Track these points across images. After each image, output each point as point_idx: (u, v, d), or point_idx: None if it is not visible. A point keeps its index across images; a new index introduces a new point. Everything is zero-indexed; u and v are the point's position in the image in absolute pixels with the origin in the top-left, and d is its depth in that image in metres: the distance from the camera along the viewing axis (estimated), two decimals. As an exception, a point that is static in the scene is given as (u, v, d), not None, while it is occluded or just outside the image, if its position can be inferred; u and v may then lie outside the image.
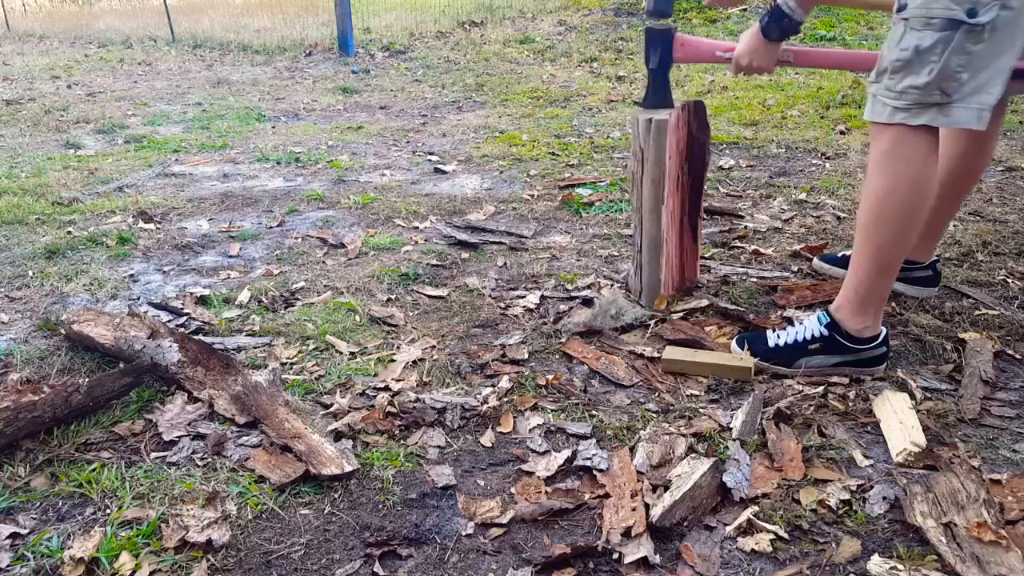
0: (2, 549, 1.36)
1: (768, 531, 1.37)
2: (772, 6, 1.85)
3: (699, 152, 2.19)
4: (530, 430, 1.69)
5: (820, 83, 5.60)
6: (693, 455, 1.56)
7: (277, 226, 3.05)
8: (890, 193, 1.68)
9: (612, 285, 2.37)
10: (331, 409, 1.77)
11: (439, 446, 1.65)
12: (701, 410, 1.74)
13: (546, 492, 1.50)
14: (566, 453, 1.59)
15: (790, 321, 2.07)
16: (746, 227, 2.91)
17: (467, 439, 1.68)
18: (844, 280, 1.83)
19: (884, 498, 1.45)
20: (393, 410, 1.75)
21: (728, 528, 1.39)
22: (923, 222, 1.74)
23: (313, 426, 1.67)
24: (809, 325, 1.87)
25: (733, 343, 1.94)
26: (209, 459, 1.60)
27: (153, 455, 1.62)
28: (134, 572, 1.30)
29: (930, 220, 2.14)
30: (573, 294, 2.33)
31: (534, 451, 1.63)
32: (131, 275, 2.58)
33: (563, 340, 2.07)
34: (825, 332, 1.83)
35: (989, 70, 1.57)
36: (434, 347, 2.05)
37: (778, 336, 1.89)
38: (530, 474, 1.55)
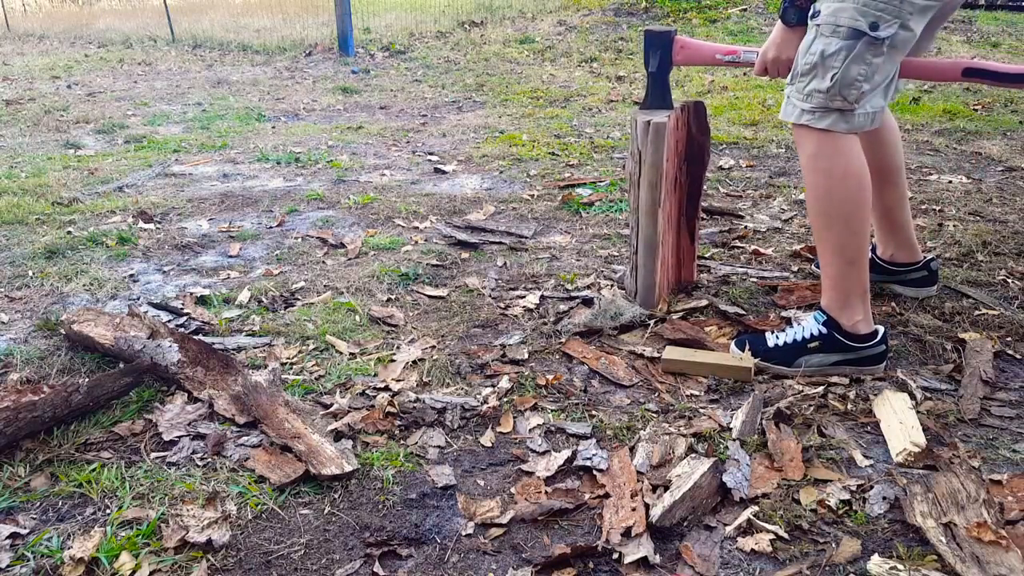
0: (2, 549, 1.36)
1: (768, 531, 1.37)
2: None
3: (698, 153, 2.19)
4: (530, 430, 1.69)
5: (820, 83, 5.59)
6: (693, 455, 1.56)
7: (277, 226, 3.05)
8: (828, 191, 1.76)
9: (611, 286, 2.38)
10: (331, 409, 1.77)
11: (439, 446, 1.65)
12: (701, 410, 1.74)
13: (546, 492, 1.50)
14: (566, 453, 1.59)
15: (789, 322, 2.07)
16: (746, 227, 2.91)
17: (467, 439, 1.68)
18: (821, 281, 1.88)
19: (884, 498, 1.45)
20: (393, 410, 1.75)
21: (728, 528, 1.39)
22: (868, 209, 1.79)
23: (313, 426, 1.67)
24: (807, 324, 1.87)
25: (732, 345, 1.94)
26: (209, 459, 1.60)
27: (153, 455, 1.62)
28: (134, 572, 1.30)
29: (884, 219, 2.17)
30: (573, 294, 2.33)
31: (534, 451, 1.63)
32: (131, 275, 2.58)
33: (563, 340, 2.07)
34: (824, 330, 1.84)
35: (884, 80, 1.70)
36: (434, 347, 2.05)
37: (777, 337, 1.89)
38: (530, 474, 1.55)
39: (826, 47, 1.68)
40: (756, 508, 1.42)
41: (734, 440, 1.62)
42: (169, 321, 2.20)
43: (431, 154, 4.15)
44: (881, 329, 1.85)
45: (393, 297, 2.38)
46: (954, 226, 2.82)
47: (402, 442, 1.67)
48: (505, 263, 2.63)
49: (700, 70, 6.16)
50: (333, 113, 5.40)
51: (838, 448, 1.59)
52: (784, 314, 2.15)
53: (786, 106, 1.80)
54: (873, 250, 2.25)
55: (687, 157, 2.17)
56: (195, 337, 1.98)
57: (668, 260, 2.21)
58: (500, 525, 1.42)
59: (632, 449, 1.60)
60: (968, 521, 1.33)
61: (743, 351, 1.90)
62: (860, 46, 1.65)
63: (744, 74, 5.98)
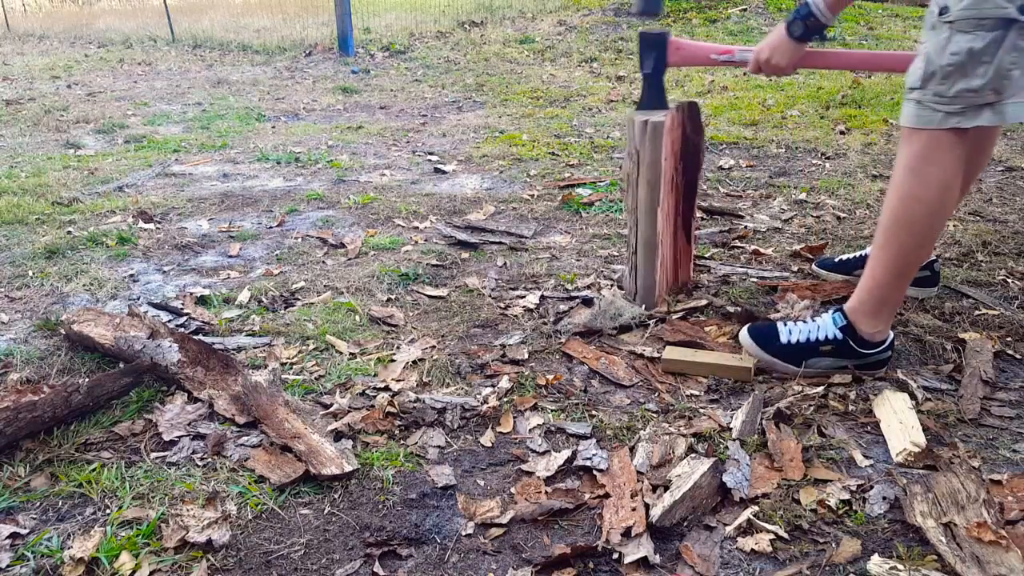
0: (2, 549, 1.36)
1: (768, 531, 1.37)
2: (800, 2, 1.84)
3: (693, 153, 2.19)
4: (530, 430, 1.69)
5: (820, 83, 5.60)
6: (693, 455, 1.56)
7: (277, 226, 3.05)
8: (918, 197, 1.67)
9: (611, 286, 2.38)
10: (331, 409, 1.77)
11: (439, 446, 1.65)
12: (701, 410, 1.74)
13: (546, 492, 1.50)
14: (566, 453, 1.59)
15: (805, 316, 2.05)
16: (746, 227, 2.91)
17: (467, 439, 1.68)
18: (860, 282, 1.82)
19: (884, 498, 1.45)
20: (393, 410, 1.75)
21: (728, 528, 1.39)
22: (944, 225, 1.73)
23: (313, 426, 1.67)
24: (823, 325, 1.84)
25: (743, 332, 1.91)
26: (209, 459, 1.60)
27: (153, 455, 1.62)
28: (134, 572, 1.30)
29: None
30: (573, 294, 2.33)
31: (534, 451, 1.63)
32: (131, 275, 2.58)
33: (563, 340, 2.07)
34: (839, 336, 1.81)
35: None
36: (434, 347, 2.05)
37: (790, 332, 1.86)
38: (530, 474, 1.55)
39: (972, 44, 1.54)
40: (756, 508, 1.42)
41: (734, 440, 1.62)
42: (169, 321, 2.20)
43: (431, 154, 4.15)
44: (891, 335, 1.84)
45: (393, 297, 2.38)
46: (954, 226, 2.82)
47: (402, 442, 1.67)
48: (505, 263, 2.63)
49: (700, 70, 6.16)
50: (333, 113, 5.40)
51: (838, 448, 1.59)
52: (781, 316, 2.15)
53: (918, 112, 1.65)
54: None
55: (683, 157, 2.17)
56: (195, 337, 1.98)
57: (667, 260, 2.21)
58: (500, 525, 1.42)
59: (632, 449, 1.60)
60: (968, 521, 1.33)
61: (753, 342, 1.88)
62: (1012, 34, 1.52)
63: (744, 74, 5.98)
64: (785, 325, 1.89)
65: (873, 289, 1.78)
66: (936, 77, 1.60)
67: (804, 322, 1.89)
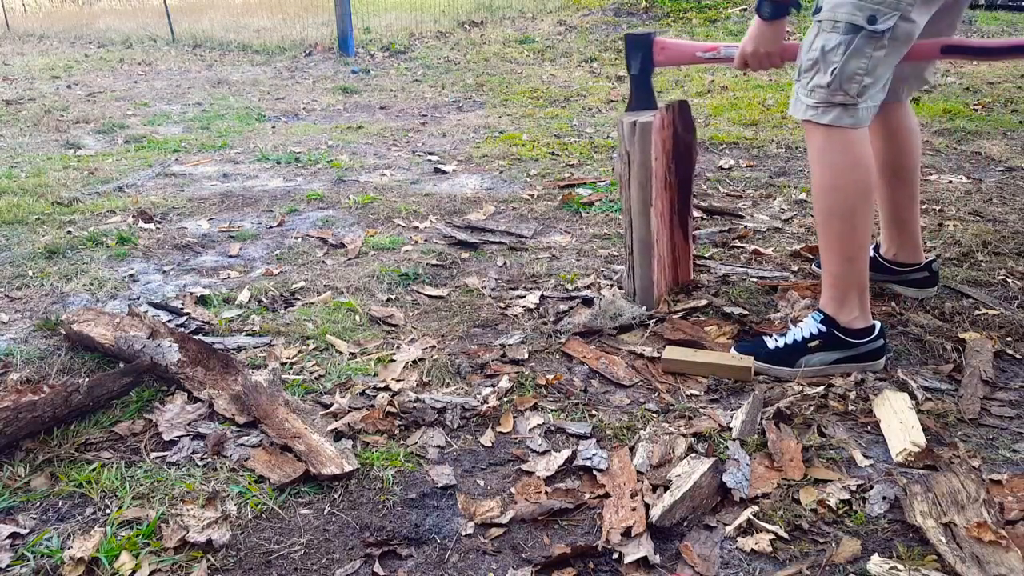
0: (2, 549, 1.36)
1: (768, 531, 1.37)
2: None
3: (685, 152, 2.19)
4: (530, 430, 1.69)
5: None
6: (693, 455, 1.56)
7: (277, 226, 3.05)
8: (833, 186, 1.76)
9: (611, 286, 2.38)
10: (331, 409, 1.77)
11: (439, 446, 1.65)
12: (701, 410, 1.74)
13: (546, 492, 1.50)
14: (566, 453, 1.59)
15: (789, 325, 2.07)
16: (746, 227, 2.91)
17: (467, 439, 1.68)
18: (822, 278, 1.88)
19: (884, 498, 1.45)
20: (393, 410, 1.75)
21: (728, 528, 1.39)
22: (871, 205, 1.79)
23: (313, 426, 1.67)
24: (806, 324, 1.88)
25: (732, 350, 1.94)
26: (209, 459, 1.60)
27: (153, 455, 1.62)
28: (134, 572, 1.30)
29: (893, 218, 2.17)
30: (573, 294, 2.33)
31: (534, 451, 1.63)
32: (131, 275, 2.58)
33: (563, 340, 2.06)
34: (823, 328, 1.84)
35: (887, 73, 1.70)
36: (434, 347, 2.05)
37: (776, 340, 1.89)
38: (530, 474, 1.55)
39: (826, 42, 1.68)
40: (756, 508, 1.42)
41: (734, 440, 1.62)
42: (169, 321, 2.20)
43: (431, 154, 4.15)
44: (878, 324, 1.85)
45: (393, 297, 2.38)
46: (954, 226, 2.82)
47: (402, 442, 1.66)
48: (505, 263, 2.63)
49: (700, 70, 6.15)
50: (333, 113, 5.40)
51: (838, 448, 1.59)
52: (784, 316, 2.15)
53: (793, 102, 1.80)
54: (877, 249, 2.25)
55: (675, 156, 2.17)
56: (195, 337, 1.98)
57: (664, 259, 2.21)
58: (500, 525, 1.42)
59: (632, 449, 1.60)
60: (968, 521, 1.33)
61: (743, 355, 1.90)
62: (859, 40, 1.64)
63: (744, 74, 5.97)
64: (771, 336, 1.92)
65: (832, 280, 1.84)
66: (800, 70, 1.76)
67: (789, 329, 1.92)
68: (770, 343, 1.89)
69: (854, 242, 1.78)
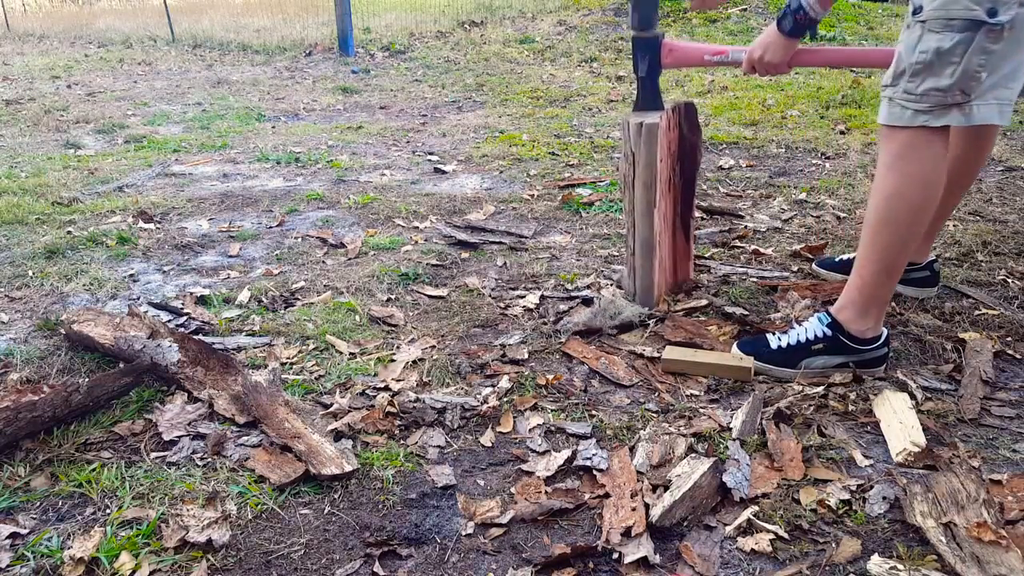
0: (2, 549, 1.36)
1: (768, 531, 1.37)
2: None
3: (690, 153, 2.19)
4: (530, 430, 1.69)
5: (820, 83, 5.60)
6: (693, 455, 1.56)
7: (277, 226, 3.05)
8: (900, 195, 1.68)
9: (610, 286, 2.37)
10: (331, 409, 1.77)
11: (439, 446, 1.65)
12: (701, 410, 1.74)
13: (546, 492, 1.50)
14: (566, 453, 1.59)
15: (791, 323, 2.06)
16: (746, 227, 2.91)
17: (467, 439, 1.68)
18: (847, 281, 1.83)
19: (884, 498, 1.45)
20: (393, 410, 1.75)
21: (728, 528, 1.39)
22: (928, 222, 1.74)
23: (313, 426, 1.67)
24: (811, 326, 1.86)
25: (734, 348, 1.93)
26: (209, 459, 1.60)
27: (153, 455, 1.62)
28: (134, 572, 1.30)
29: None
30: (573, 294, 2.33)
31: (534, 451, 1.63)
32: (131, 275, 2.58)
33: (563, 340, 2.06)
34: (828, 332, 1.83)
35: (1007, 66, 1.58)
36: (434, 347, 2.05)
37: (779, 339, 1.88)
38: (530, 474, 1.55)
39: (940, 43, 1.56)
40: (756, 508, 1.42)
41: (734, 440, 1.62)
42: (169, 321, 2.20)
43: (431, 154, 4.15)
44: (885, 331, 1.84)
45: (393, 297, 2.38)
46: (954, 226, 2.82)
47: (402, 442, 1.66)
48: (505, 263, 2.63)
49: (700, 71, 6.15)
50: (333, 113, 5.40)
51: (838, 448, 1.59)
52: (784, 316, 2.15)
53: (890, 109, 1.68)
54: None
55: (679, 157, 2.17)
56: (195, 337, 1.98)
57: (665, 260, 2.21)
58: (500, 525, 1.42)
59: (632, 449, 1.60)
60: (968, 521, 1.33)
61: (745, 354, 1.90)
62: (979, 36, 1.53)
63: (744, 74, 5.97)
64: (774, 334, 1.90)
65: (861, 288, 1.79)
66: (906, 75, 1.63)
67: (792, 328, 1.90)
68: (773, 342, 1.89)
69: (899, 257, 1.74)
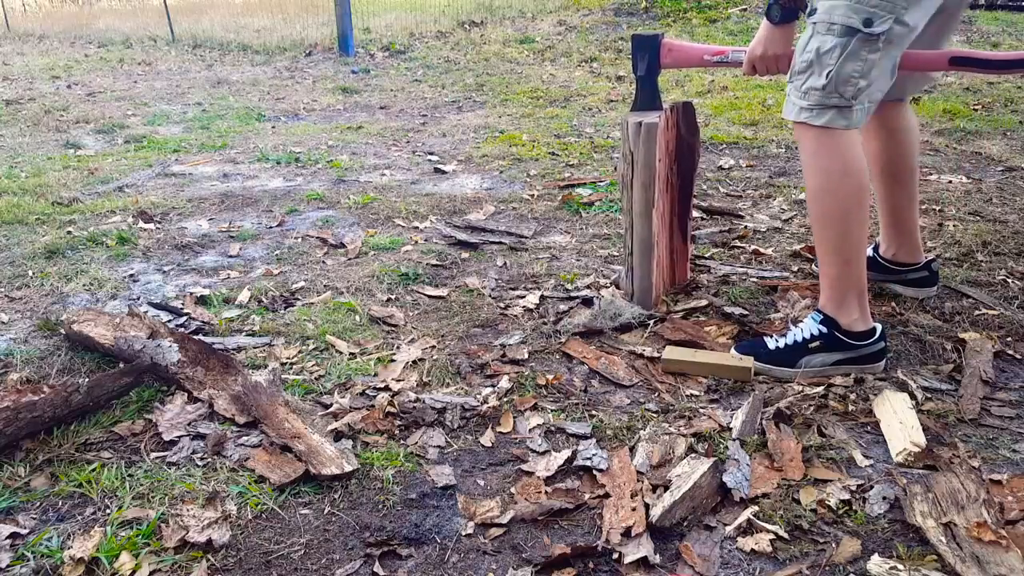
0: (2, 549, 1.36)
1: (768, 531, 1.37)
2: None
3: (688, 153, 2.19)
4: (530, 430, 1.69)
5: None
6: (693, 455, 1.56)
7: (277, 226, 3.05)
8: (825, 190, 1.76)
9: (608, 286, 2.37)
10: (331, 409, 1.77)
11: (439, 446, 1.65)
12: (701, 410, 1.74)
13: (546, 492, 1.50)
14: (566, 453, 1.59)
15: (790, 325, 2.07)
16: (746, 227, 2.91)
17: (467, 439, 1.68)
18: (820, 280, 1.88)
19: (884, 498, 1.45)
20: (393, 410, 1.75)
21: (728, 528, 1.39)
22: (866, 207, 1.78)
23: (313, 426, 1.67)
24: (806, 325, 1.87)
25: (732, 351, 1.93)
26: (209, 459, 1.60)
27: (153, 455, 1.62)
28: (134, 572, 1.30)
29: (892, 218, 2.17)
30: (573, 294, 2.33)
31: (534, 451, 1.63)
32: (131, 275, 2.58)
33: (563, 340, 2.06)
34: (823, 329, 1.84)
35: (882, 75, 1.70)
36: (434, 347, 2.05)
37: (777, 340, 1.89)
38: (530, 474, 1.55)
39: (821, 44, 1.68)
40: (756, 508, 1.42)
41: (734, 440, 1.62)
42: (169, 321, 2.20)
43: (431, 154, 4.15)
44: (879, 327, 1.85)
45: (393, 297, 2.38)
46: (954, 226, 2.82)
47: (402, 442, 1.67)
48: (505, 263, 2.63)
49: (700, 71, 6.15)
50: (333, 113, 5.40)
51: (838, 448, 1.59)
52: (784, 316, 2.15)
53: (786, 104, 1.80)
54: (876, 248, 2.25)
55: (677, 157, 2.17)
56: (195, 337, 1.98)
57: (663, 261, 2.21)
58: (500, 525, 1.42)
59: (632, 449, 1.60)
60: (968, 521, 1.33)
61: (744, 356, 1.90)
62: (855, 43, 1.65)
63: (745, 75, 5.97)
64: (772, 337, 1.92)
65: (830, 282, 1.84)
66: (794, 72, 1.76)
67: (789, 329, 1.91)
68: (771, 344, 1.89)
69: (850, 245, 1.78)
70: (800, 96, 1.74)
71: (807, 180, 1.81)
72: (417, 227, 3.00)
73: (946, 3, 1.76)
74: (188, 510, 1.43)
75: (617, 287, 2.34)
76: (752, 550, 1.34)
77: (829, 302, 1.85)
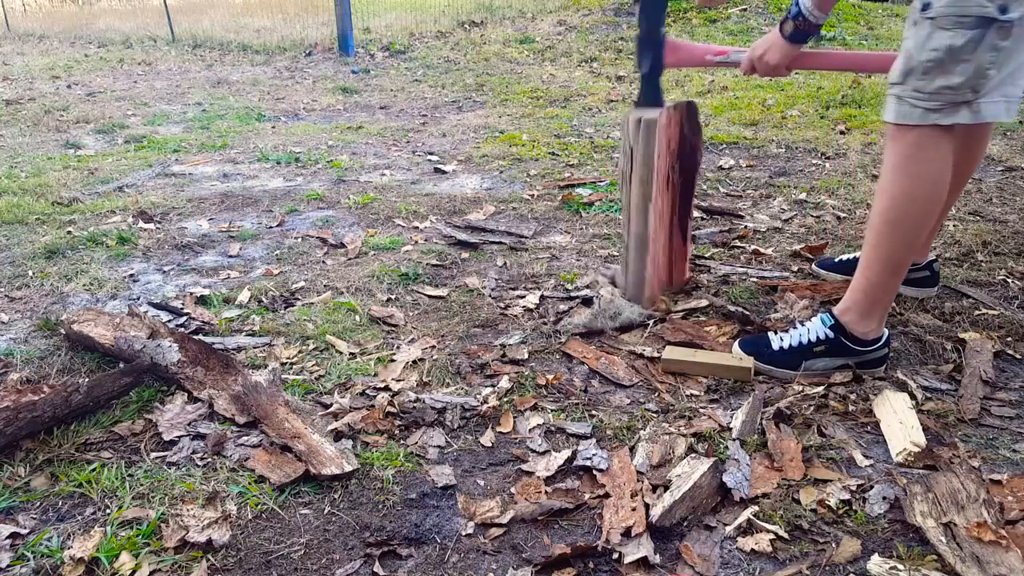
0: (2, 549, 1.36)
1: (768, 531, 1.37)
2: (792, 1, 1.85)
3: (690, 153, 2.19)
4: (530, 430, 1.69)
5: (820, 83, 5.61)
6: (693, 455, 1.56)
7: (277, 226, 3.05)
8: (908, 195, 1.67)
9: (607, 284, 2.37)
10: (331, 409, 1.77)
11: (439, 446, 1.65)
12: (701, 410, 1.74)
13: (546, 492, 1.50)
14: (566, 453, 1.59)
15: (793, 323, 2.07)
16: (746, 227, 2.91)
17: (467, 439, 1.68)
18: (852, 283, 1.82)
19: (884, 498, 1.45)
20: (393, 410, 1.75)
21: (728, 528, 1.39)
22: (935, 220, 1.74)
23: (313, 426, 1.67)
24: (812, 327, 1.86)
25: (735, 346, 1.93)
26: (209, 459, 1.60)
27: (153, 455, 1.62)
28: (134, 572, 1.30)
29: None
30: (573, 294, 2.33)
31: (534, 451, 1.63)
32: (131, 275, 2.58)
33: (563, 340, 2.06)
34: (830, 334, 1.82)
35: (1013, 63, 1.58)
36: (434, 347, 2.05)
37: (781, 339, 1.88)
38: (530, 474, 1.55)
39: (952, 41, 1.54)
40: (756, 508, 1.42)
41: (734, 440, 1.62)
42: (169, 321, 2.20)
43: (431, 154, 4.15)
44: (886, 332, 1.84)
45: (393, 297, 2.38)
46: (954, 226, 2.82)
47: (402, 442, 1.67)
48: (505, 263, 2.63)
49: (701, 70, 6.15)
50: (333, 113, 5.40)
51: (838, 448, 1.59)
52: (785, 316, 2.15)
53: (899, 107, 1.65)
54: None
55: (679, 156, 2.17)
56: (195, 337, 1.98)
57: (659, 258, 2.21)
58: (500, 525, 1.42)
59: (632, 449, 1.60)
60: (968, 521, 1.33)
61: (746, 354, 1.89)
62: (990, 33, 1.52)
63: (744, 74, 5.97)
64: (776, 334, 1.90)
65: (867, 289, 1.78)
66: (916, 73, 1.61)
67: (795, 327, 1.89)
68: (775, 343, 1.88)
69: (905, 257, 1.74)
70: (926, 98, 1.60)
71: (888, 181, 1.69)
72: (417, 227, 3.00)
73: None
74: (188, 510, 1.43)
75: (614, 284, 2.34)
76: (752, 550, 1.34)
77: (855, 307, 1.80)
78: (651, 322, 2.12)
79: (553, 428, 1.70)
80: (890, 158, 1.69)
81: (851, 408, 1.73)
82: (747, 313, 2.14)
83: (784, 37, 1.86)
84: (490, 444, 1.66)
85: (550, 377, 1.88)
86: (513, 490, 1.51)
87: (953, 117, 1.60)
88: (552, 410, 1.77)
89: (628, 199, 2.13)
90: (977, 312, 2.14)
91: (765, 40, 1.91)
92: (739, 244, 2.74)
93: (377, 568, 1.32)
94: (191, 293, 2.41)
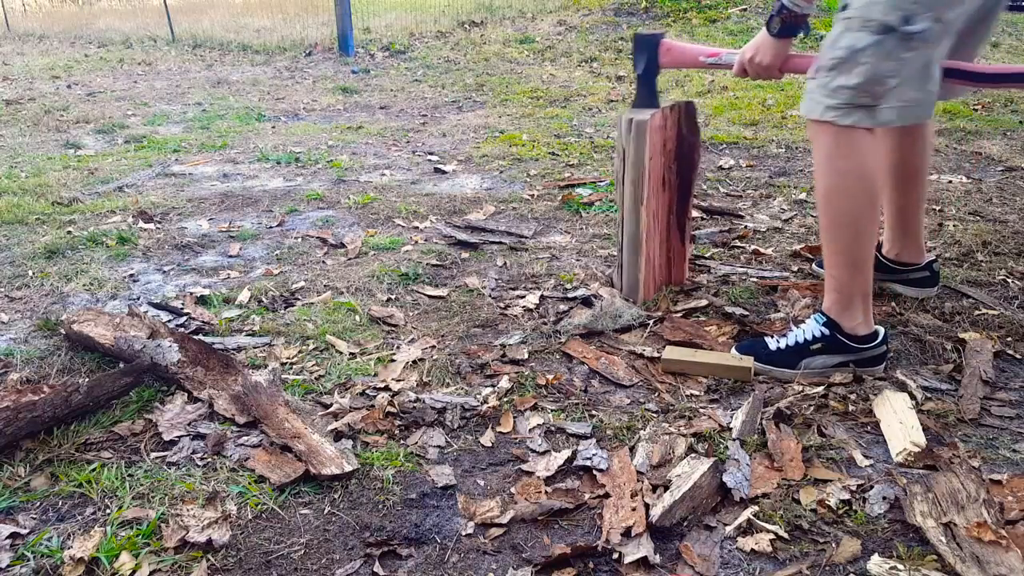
0: (2, 549, 1.36)
1: (768, 531, 1.37)
2: None
3: (688, 153, 2.19)
4: (530, 430, 1.69)
5: (820, 83, 5.60)
6: (693, 455, 1.56)
7: (277, 226, 3.05)
8: (840, 192, 1.72)
9: (606, 283, 2.37)
10: (331, 409, 1.77)
11: (439, 446, 1.65)
12: (701, 410, 1.74)
13: (546, 492, 1.50)
14: (566, 453, 1.59)
15: (791, 325, 2.07)
16: (746, 227, 2.91)
17: (467, 439, 1.68)
18: (825, 283, 1.85)
19: (884, 498, 1.45)
20: (393, 410, 1.75)
21: (728, 528, 1.39)
22: (878, 212, 1.76)
23: (313, 426, 1.67)
24: (808, 327, 1.86)
25: (733, 350, 1.93)
26: (209, 459, 1.60)
27: (153, 455, 1.62)
28: (134, 572, 1.30)
29: (898, 218, 2.16)
30: (573, 294, 2.33)
31: (534, 451, 1.63)
32: (131, 275, 2.58)
33: (563, 340, 2.06)
34: (826, 331, 1.83)
35: (915, 75, 1.63)
36: (434, 347, 2.05)
37: (778, 341, 1.89)
38: (530, 474, 1.55)
39: (855, 42, 1.60)
40: (756, 508, 1.42)
41: (734, 440, 1.62)
42: (169, 321, 2.20)
43: (431, 154, 4.15)
44: (881, 330, 1.85)
45: (393, 297, 2.38)
46: (954, 226, 2.82)
47: (402, 442, 1.67)
48: (505, 263, 2.63)
49: (701, 70, 6.15)
50: (333, 113, 5.40)
51: (838, 448, 1.59)
52: (785, 316, 2.15)
53: (808, 102, 1.72)
54: (879, 248, 2.24)
55: (677, 156, 2.17)
56: (195, 337, 1.98)
57: (655, 258, 2.21)
58: (500, 525, 1.42)
59: (632, 449, 1.60)
60: (968, 521, 1.33)
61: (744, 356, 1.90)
62: (891, 41, 1.57)
63: (735, 76, 5.97)
64: (772, 337, 1.91)
65: (836, 286, 1.81)
66: (822, 70, 1.67)
67: (791, 330, 1.91)
68: (772, 344, 1.89)
69: (860, 249, 1.75)
70: (827, 94, 1.66)
71: (820, 180, 1.75)
72: (417, 227, 3.00)
73: (982, 7, 1.70)
74: (188, 510, 1.43)
75: (611, 283, 2.34)
76: (752, 550, 1.34)
77: (834, 305, 1.83)
78: (651, 322, 2.12)
79: (553, 428, 1.70)
80: (815, 157, 1.75)
81: (851, 408, 1.73)
82: (747, 313, 2.14)
83: (772, 35, 1.84)
84: (490, 444, 1.66)
85: (550, 377, 1.88)
86: (513, 490, 1.51)
87: (849, 118, 1.65)
88: (552, 410, 1.77)
89: (621, 199, 2.14)
90: (977, 312, 2.14)
91: (754, 42, 1.90)
92: (739, 244, 2.74)
93: (377, 568, 1.32)
94: (191, 293, 2.41)
